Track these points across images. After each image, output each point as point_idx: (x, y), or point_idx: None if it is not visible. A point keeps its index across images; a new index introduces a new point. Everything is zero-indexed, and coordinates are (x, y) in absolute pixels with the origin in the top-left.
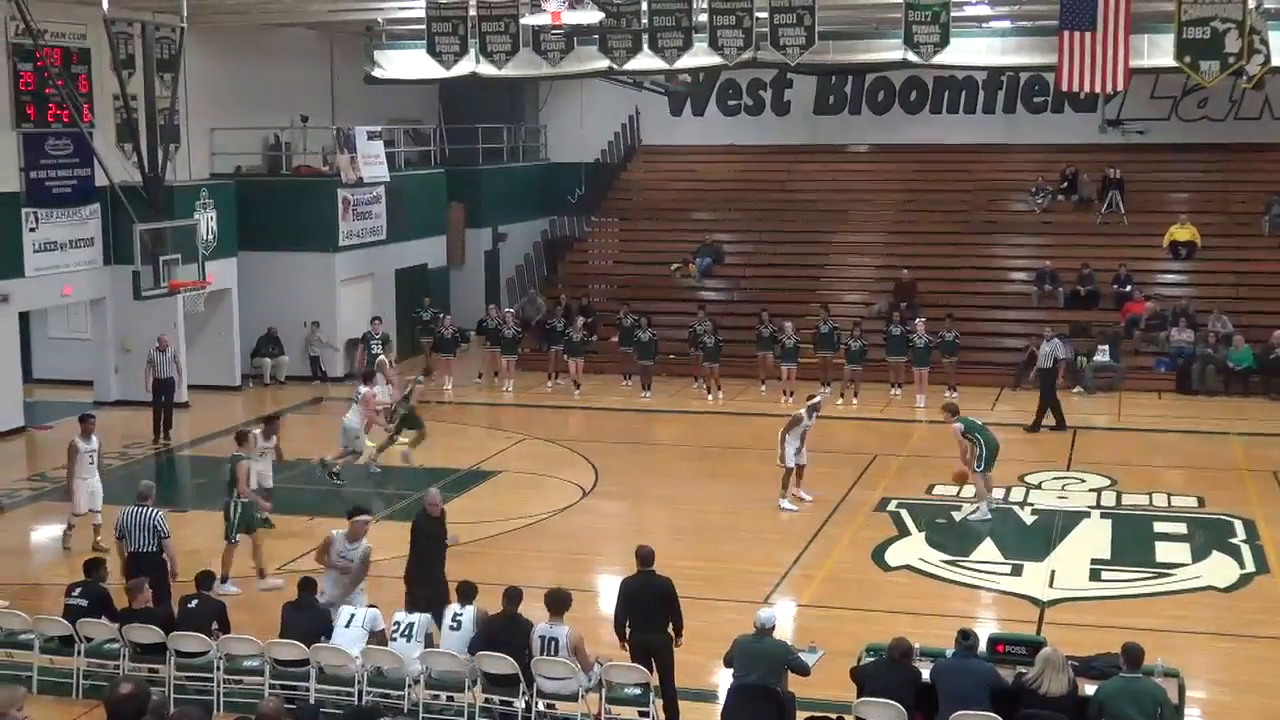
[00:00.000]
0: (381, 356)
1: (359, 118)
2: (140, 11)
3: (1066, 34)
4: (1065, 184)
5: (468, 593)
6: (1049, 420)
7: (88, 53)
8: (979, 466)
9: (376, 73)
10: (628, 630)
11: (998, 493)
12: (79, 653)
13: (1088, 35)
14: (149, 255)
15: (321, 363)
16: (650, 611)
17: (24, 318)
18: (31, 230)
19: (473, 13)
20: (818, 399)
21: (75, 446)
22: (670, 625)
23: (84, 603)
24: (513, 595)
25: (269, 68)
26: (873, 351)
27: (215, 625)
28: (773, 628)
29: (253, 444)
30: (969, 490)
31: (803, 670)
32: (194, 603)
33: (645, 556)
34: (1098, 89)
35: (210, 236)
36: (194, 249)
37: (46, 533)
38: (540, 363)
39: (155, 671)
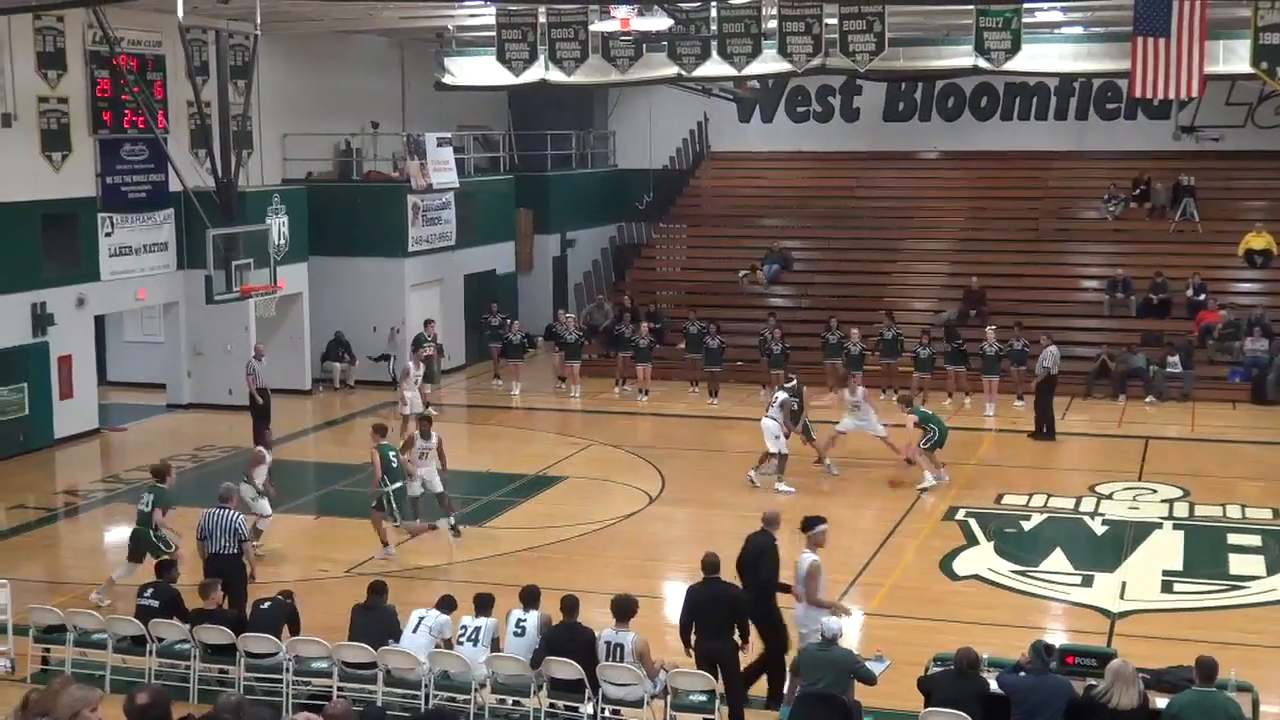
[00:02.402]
0: (409, 362)
1: (429, 124)
2: (215, 19)
3: (1140, 40)
4: (1138, 191)
5: (532, 598)
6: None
7: (163, 60)
8: (927, 444)
9: (447, 79)
10: (693, 638)
11: (1068, 502)
12: (151, 653)
13: (1162, 41)
14: (221, 260)
15: (391, 367)
16: (716, 619)
17: (99, 321)
18: (107, 235)
19: (542, 20)
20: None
21: (262, 456)
22: (736, 633)
23: (155, 604)
24: (569, 604)
25: (341, 74)
26: (940, 359)
27: (286, 627)
28: (838, 636)
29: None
30: (1038, 499)
31: (869, 679)
32: (266, 604)
33: (711, 564)
34: (1172, 95)
35: (282, 241)
36: (266, 254)
37: (119, 533)
38: (609, 369)
39: (225, 672)
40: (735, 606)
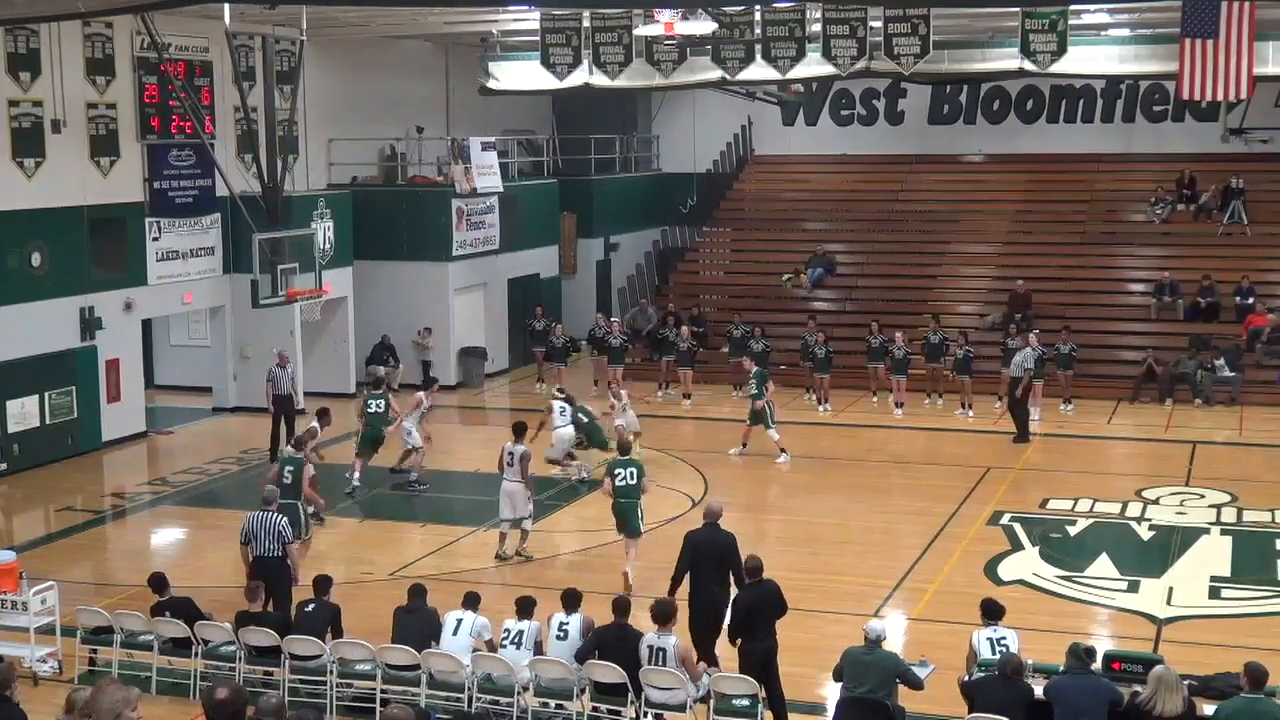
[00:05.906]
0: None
1: (473, 128)
2: (261, 25)
3: (1188, 42)
4: (1188, 194)
5: (573, 601)
6: (1015, 429)
7: (210, 65)
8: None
9: (491, 84)
10: (739, 640)
11: (1114, 507)
12: (196, 655)
13: (1209, 43)
14: (267, 264)
15: (430, 369)
16: (766, 619)
17: (146, 325)
18: (154, 239)
19: (586, 24)
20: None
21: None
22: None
23: (179, 623)
24: (622, 605)
25: (385, 80)
26: (989, 364)
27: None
28: (882, 639)
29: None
30: (1084, 504)
31: (916, 684)
32: (311, 606)
33: (755, 568)
34: (1220, 97)
35: (327, 246)
36: (311, 258)
37: (167, 535)
38: (652, 372)
39: (270, 674)
40: (782, 606)
